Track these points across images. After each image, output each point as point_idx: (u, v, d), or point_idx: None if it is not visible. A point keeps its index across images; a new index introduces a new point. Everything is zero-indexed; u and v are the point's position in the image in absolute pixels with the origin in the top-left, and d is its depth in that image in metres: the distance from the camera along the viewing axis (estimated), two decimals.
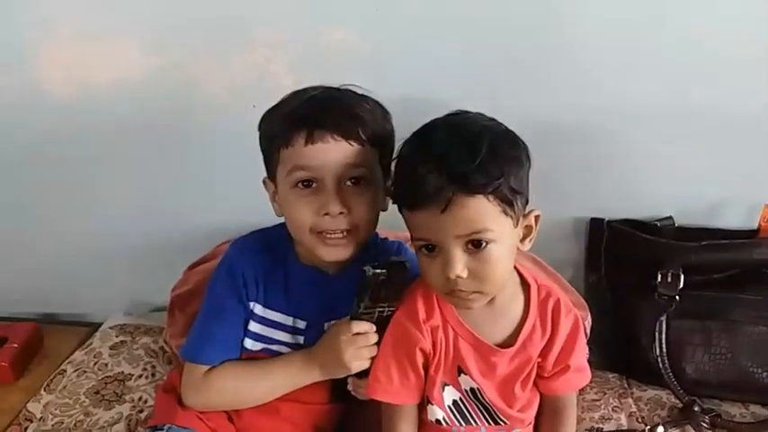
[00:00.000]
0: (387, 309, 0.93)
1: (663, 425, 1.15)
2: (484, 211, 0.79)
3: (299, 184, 0.92)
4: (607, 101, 1.26)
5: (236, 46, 1.29)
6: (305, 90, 0.96)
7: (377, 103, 0.97)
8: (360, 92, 0.97)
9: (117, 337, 1.44)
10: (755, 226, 1.26)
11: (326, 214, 0.91)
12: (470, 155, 0.78)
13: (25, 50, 1.34)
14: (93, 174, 1.46)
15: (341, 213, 0.91)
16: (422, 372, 0.91)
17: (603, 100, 1.26)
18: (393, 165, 0.89)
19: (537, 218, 0.88)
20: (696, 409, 1.17)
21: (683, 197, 1.32)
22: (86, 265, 1.57)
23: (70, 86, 1.38)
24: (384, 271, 0.88)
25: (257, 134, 1.04)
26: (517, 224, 0.84)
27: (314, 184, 0.91)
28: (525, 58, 1.25)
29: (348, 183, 0.92)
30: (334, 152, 0.90)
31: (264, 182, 1.00)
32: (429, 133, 0.85)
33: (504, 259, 0.83)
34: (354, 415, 1.06)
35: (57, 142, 1.44)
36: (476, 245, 0.81)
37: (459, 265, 0.80)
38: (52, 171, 1.47)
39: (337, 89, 0.96)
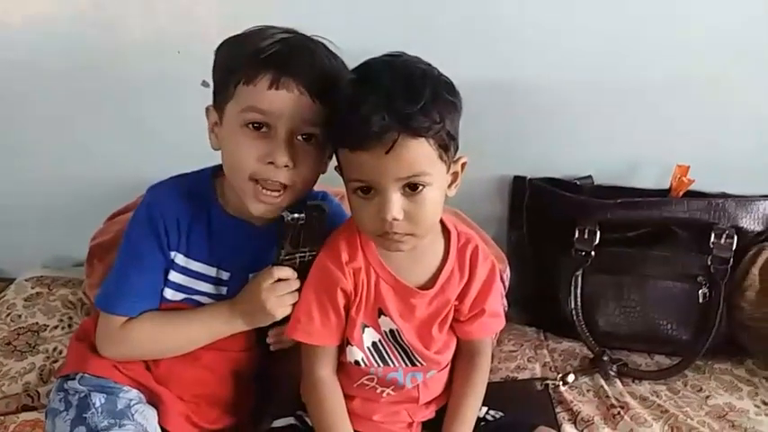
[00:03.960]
0: (308, 253, 0.93)
1: (573, 373, 1.21)
2: (424, 154, 0.81)
3: (250, 125, 0.88)
4: (532, 64, 1.30)
5: None
6: (274, 28, 0.90)
7: (344, 64, 0.92)
8: (332, 48, 0.93)
9: (33, 288, 1.39)
10: (668, 185, 1.32)
11: (271, 163, 0.88)
12: (414, 97, 0.79)
13: None
14: (6, 118, 1.39)
15: (285, 166, 0.88)
16: (342, 313, 0.92)
17: (529, 63, 1.30)
18: (332, 105, 0.86)
19: (464, 165, 0.90)
20: (605, 358, 1.23)
21: (602, 157, 1.38)
22: (1, 217, 1.50)
23: None
24: (302, 215, 0.88)
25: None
26: (449, 169, 0.86)
27: (264, 129, 0.88)
28: (456, 18, 1.26)
29: (299, 137, 0.89)
30: (295, 103, 0.87)
31: (207, 109, 0.94)
32: (371, 73, 0.83)
33: (436, 203, 0.85)
34: (274, 361, 1.06)
35: None
36: (412, 188, 0.82)
37: (396, 207, 0.81)
38: None
39: (311, 39, 0.92)
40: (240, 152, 0.89)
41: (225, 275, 0.98)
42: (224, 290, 0.98)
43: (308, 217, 0.88)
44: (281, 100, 0.86)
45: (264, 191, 0.89)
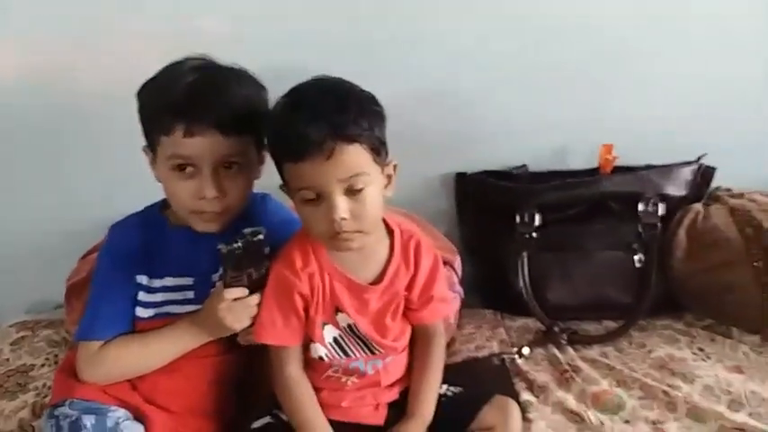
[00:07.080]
0: (254, 272, 1.01)
1: (528, 345, 1.30)
2: (360, 157, 0.91)
3: (177, 168, 0.99)
4: (458, 71, 1.43)
5: (108, 38, 1.35)
6: (185, 63, 1.00)
7: (254, 81, 1.03)
8: (237, 68, 1.02)
9: (17, 333, 1.46)
10: (596, 165, 1.43)
11: (203, 198, 0.99)
12: (344, 109, 0.90)
13: None
14: None
15: (215, 198, 0.99)
16: (302, 314, 1.01)
17: (455, 71, 1.43)
18: (268, 125, 0.96)
19: (395, 167, 1.00)
20: (556, 329, 1.34)
21: (534, 146, 1.49)
22: None
23: None
24: (239, 245, 0.97)
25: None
26: (383, 171, 0.97)
27: (190, 168, 0.99)
28: (389, 25, 1.38)
29: (223, 168, 1.00)
30: (212, 144, 0.97)
31: (144, 150, 1.05)
32: (302, 94, 0.94)
33: (377, 200, 0.96)
34: (250, 368, 1.14)
35: None
36: (354, 190, 0.92)
37: (342, 207, 0.91)
38: None
39: (222, 72, 1.01)
40: (176, 193, 1.01)
41: (188, 281, 1.07)
42: (191, 294, 1.07)
43: (246, 243, 0.97)
44: (197, 145, 0.97)
45: (204, 214, 1.01)
